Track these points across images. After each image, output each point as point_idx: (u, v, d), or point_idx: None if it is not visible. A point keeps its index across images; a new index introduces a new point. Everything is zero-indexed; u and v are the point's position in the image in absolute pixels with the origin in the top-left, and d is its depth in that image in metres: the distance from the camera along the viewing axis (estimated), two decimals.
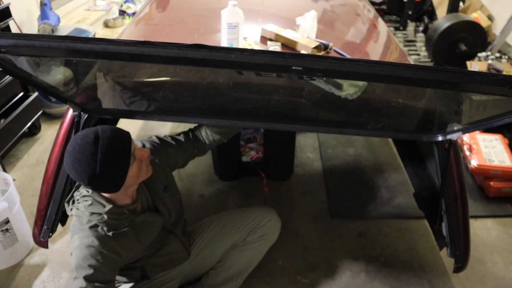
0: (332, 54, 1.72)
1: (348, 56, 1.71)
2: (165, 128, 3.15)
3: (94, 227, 1.37)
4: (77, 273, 1.32)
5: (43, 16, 3.40)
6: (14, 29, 3.19)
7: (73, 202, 1.44)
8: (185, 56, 0.99)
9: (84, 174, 1.26)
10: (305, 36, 1.74)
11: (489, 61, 3.55)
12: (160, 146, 1.67)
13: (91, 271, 1.30)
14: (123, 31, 2.21)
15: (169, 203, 1.61)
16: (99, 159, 1.25)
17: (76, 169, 1.27)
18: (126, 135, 1.35)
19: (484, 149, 2.59)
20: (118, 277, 1.61)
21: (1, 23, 2.74)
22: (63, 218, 1.78)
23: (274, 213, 1.90)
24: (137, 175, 1.37)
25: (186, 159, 1.76)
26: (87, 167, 1.25)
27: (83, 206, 1.38)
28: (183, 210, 1.77)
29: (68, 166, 1.29)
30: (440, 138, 1.59)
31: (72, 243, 1.38)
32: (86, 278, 1.30)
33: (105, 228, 1.37)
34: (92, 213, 1.37)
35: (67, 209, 1.45)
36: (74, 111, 1.62)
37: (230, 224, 1.83)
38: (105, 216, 1.37)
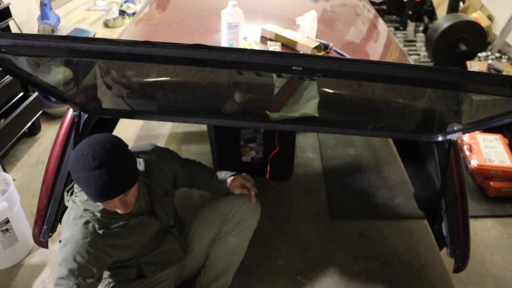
0: (332, 54, 1.72)
1: (348, 56, 1.71)
2: (165, 128, 3.15)
3: (85, 223, 1.38)
4: (63, 263, 1.35)
5: (43, 16, 3.40)
6: (14, 29, 3.19)
7: (72, 194, 1.45)
8: (185, 56, 0.99)
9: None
10: (305, 36, 1.74)
11: (489, 61, 3.55)
12: (171, 156, 1.71)
13: (75, 265, 1.33)
14: (123, 31, 2.21)
15: (168, 207, 1.61)
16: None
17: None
18: (131, 176, 1.34)
19: (484, 149, 2.59)
20: (114, 277, 1.62)
21: (1, 23, 2.74)
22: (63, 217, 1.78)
23: (246, 197, 1.75)
24: (113, 206, 1.37)
25: (181, 183, 1.77)
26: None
27: (79, 201, 1.40)
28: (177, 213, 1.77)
29: (70, 166, 1.32)
30: (440, 138, 1.59)
31: (62, 232, 1.40)
32: (70, 270, 1.33)
33: (96, 226, 1.39)
34: (86, 210, 1.39)
35: (65, 198, 1.47)
36: (74, 111, 1.63)
37: (204, 220, 1.78)
38: (98, 214, 1.38)
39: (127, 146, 1.39)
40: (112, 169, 1.26)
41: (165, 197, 1.60)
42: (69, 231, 1.38)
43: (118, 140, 1.35)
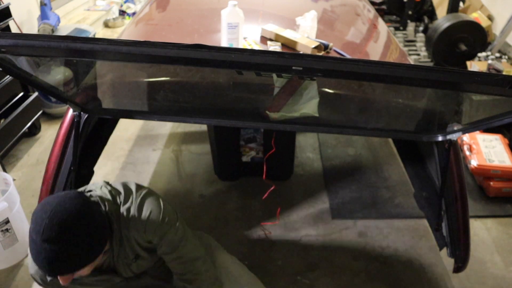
0: (332, 54, 1.72)
1: (348, 56, 1.72)
2: (165, 128, 3.15)
3: None
4: None
5: (43, 16, 3.41)
6: (14, 29, 3.19)
7: None
8: (185, 56, 0.99)
9: None
10: (305, 36, 1.74)
11: (489, 61, 3.55)
12: (153, 230, 1.38)
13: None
14: (123, 31, 2.22)
15: (136, 269, 1.47)
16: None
17: None
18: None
19: (484, 149, 2.59)
20: None
21: (1, 23, 2.74)
22: None
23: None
24: None
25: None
26: None
27: None
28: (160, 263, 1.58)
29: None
30: (440, 138, 1.59)
31: None
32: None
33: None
34: None
35: None
36: (74, 111, 1.63)
37: None
38: None
39: (93, 221, 1.18)
40: (55, 251, 1.10)
41: (134, 261, 1.42)
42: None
43: (84, 216, 1.16)
